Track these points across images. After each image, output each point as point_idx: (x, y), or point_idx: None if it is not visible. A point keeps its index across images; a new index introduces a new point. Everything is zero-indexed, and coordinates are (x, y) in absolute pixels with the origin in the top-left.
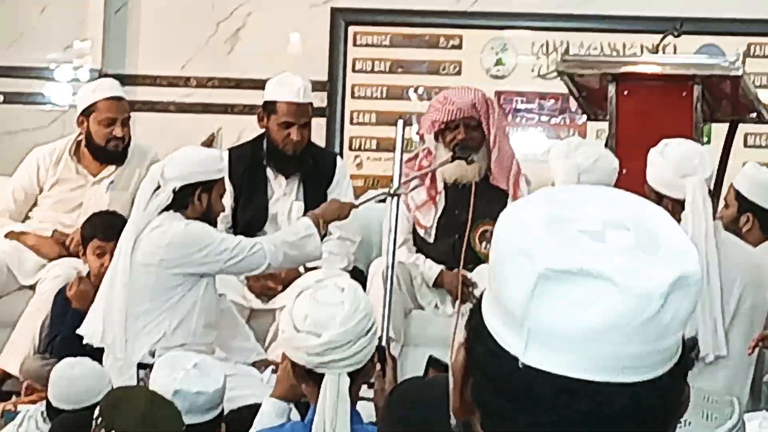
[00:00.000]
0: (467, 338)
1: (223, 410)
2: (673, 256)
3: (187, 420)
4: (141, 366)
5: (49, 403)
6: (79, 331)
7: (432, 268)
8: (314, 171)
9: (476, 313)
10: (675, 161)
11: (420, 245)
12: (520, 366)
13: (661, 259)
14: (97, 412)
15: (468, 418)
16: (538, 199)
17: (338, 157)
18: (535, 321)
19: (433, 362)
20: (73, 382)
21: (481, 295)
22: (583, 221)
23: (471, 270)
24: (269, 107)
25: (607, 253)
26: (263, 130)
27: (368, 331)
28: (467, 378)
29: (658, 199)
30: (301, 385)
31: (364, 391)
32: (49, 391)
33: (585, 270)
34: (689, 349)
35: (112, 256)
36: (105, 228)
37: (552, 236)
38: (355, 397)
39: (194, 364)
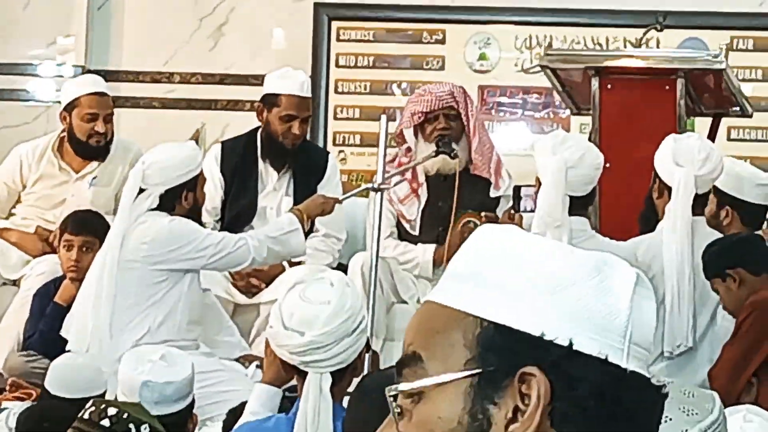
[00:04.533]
0: (542, 369)
1: (193, 400)
2: None
3: (156, 411)
4: None
5: (43, 393)
6: (64, 335)
7: (426, 252)
8: (306, 166)
9: (542, 347)
10: (679, 148)
11: (405, 238)
12: (627, 372)
13: None
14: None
15: None
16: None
17: (330, 154)
18: (634, 325)
19: None
20: (74, 370)
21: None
22: None
23: None
24: (271, 100)
25: None
26: (257, 125)
27: (354, 331)
28: (548, 407)
29: (655, 178)
30: (288, 375)
31: None
32: (47, 379)
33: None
34: None
35: (79, 249)
36: (74, 222)
37: None
38: (343, 392)
39: (161, 355)
